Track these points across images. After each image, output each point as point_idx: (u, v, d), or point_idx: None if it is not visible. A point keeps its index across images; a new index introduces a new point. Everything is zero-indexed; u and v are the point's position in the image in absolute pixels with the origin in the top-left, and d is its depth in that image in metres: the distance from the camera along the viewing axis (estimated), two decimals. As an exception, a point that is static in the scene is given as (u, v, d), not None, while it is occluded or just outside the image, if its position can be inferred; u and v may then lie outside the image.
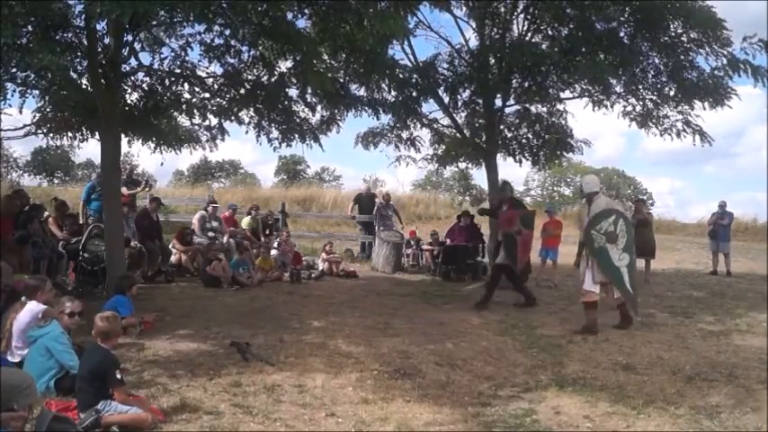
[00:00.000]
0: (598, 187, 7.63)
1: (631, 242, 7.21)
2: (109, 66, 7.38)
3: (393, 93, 10.62)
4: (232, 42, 7.98)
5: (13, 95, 7.19)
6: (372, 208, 13.75)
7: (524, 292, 8.82)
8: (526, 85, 10.79)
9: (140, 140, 9.25)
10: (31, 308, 4.79)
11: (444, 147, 12.37)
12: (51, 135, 9.05)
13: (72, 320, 4.85)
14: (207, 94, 8.73)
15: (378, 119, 10.89)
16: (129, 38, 7.58)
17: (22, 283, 5.41)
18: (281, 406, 4.53)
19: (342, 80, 9.97)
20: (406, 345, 6.31)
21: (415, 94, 10.76)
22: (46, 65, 5.90)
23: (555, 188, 49.96)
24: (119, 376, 4.00)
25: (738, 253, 14.67)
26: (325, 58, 8.57)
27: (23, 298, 4.98)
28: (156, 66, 8.27)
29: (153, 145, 9.41)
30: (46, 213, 9.04)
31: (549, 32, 10.50)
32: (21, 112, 7.84)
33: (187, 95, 8.65)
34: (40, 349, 4.54)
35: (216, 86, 8.68)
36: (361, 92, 10.67)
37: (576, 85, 10.51)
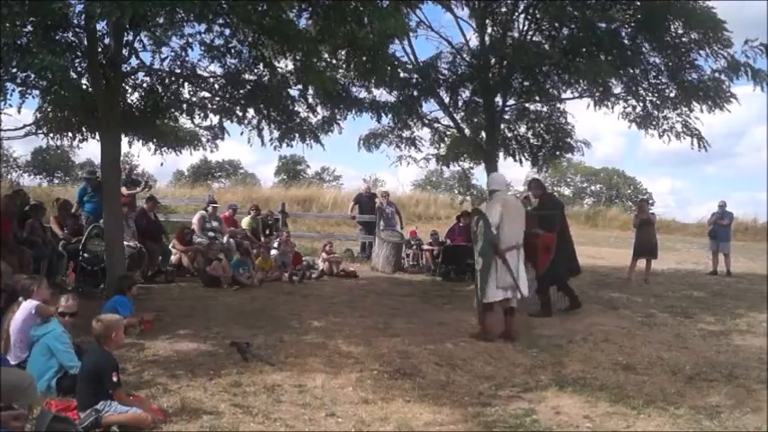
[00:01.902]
0: (500, 186, 7.26)
1: (487, 250, 6.68)
2: (109, 66, 7.36)
3: (394, 93, 10.61)
4: (232, 42, 7.98)
5: (13, 95, 7.17)
6: (372, 208, 13.74)
7: (543, 299, 8.23)
8: (527, 85, 10.77)
9: (140, 141, 9.24)
10: (25, 306, 4.79)
11: (445, 146, 12.36)
12: (51, 135, 9.04)
13: (64, 320, 4.84)
14: (207, 94, 8.73)
15: (379, 121, 10.88)
16: (130, 38, 7.58)
17: (18, 284, 5.40)
18: (281, 406, 4.53)
19: (342, 81, 9.95)
20: (406, 345, 6.31)
21: (415, 93, 10.74)
22: (46, 65, 5.89)
23: (555, 188, 50.00)
24: (115, 379, 4.00)
25: (738, 253, 14.66)
26: (326, 56, 8.56)
27: (20, 298, 4.97)
28: (156, 66, 8.27)
29: (153, 147, 9.41)
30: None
31: (550, 32, 10.46)
32: (19, 112, 7.86)
33: (187, 95, 8.64)
34: (42, 349, 4.55)
35: (216, 86, 8.68)
36: (362, 94, 10.66)
37: (577, 86, 10.51)
